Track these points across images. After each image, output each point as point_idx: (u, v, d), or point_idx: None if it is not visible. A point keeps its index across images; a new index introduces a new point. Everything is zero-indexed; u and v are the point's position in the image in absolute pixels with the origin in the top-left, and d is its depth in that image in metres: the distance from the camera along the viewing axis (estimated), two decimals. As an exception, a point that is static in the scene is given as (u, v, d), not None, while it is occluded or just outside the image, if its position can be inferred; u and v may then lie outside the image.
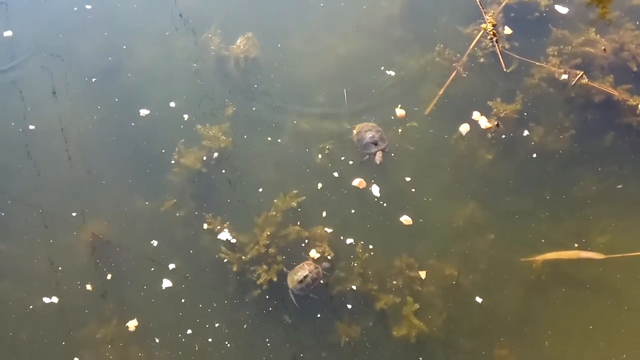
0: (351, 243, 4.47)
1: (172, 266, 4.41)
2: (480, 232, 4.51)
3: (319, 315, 4.26)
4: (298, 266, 4.30)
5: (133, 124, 5.05)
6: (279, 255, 4.45)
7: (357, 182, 4.65)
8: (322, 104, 5.13)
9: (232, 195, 4.74)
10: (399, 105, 5.07)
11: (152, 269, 4.42)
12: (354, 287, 4.33)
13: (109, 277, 4.41)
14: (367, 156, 4.75)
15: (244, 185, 4.76)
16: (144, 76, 5.28)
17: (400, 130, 4.96)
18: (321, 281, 4.27)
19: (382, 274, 4.39)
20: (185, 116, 5.06)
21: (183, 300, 4.35)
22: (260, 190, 4.72)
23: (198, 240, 4.53)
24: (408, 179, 4.77)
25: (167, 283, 4.36)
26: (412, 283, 4.34)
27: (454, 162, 4.82)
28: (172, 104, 5.13)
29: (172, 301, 4.34)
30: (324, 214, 4.58)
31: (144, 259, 4.47)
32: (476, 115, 5.02)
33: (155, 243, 4.54)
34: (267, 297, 4.34)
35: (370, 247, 4.44)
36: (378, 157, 4.70)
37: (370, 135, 4.73)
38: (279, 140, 4.95)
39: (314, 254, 4.37)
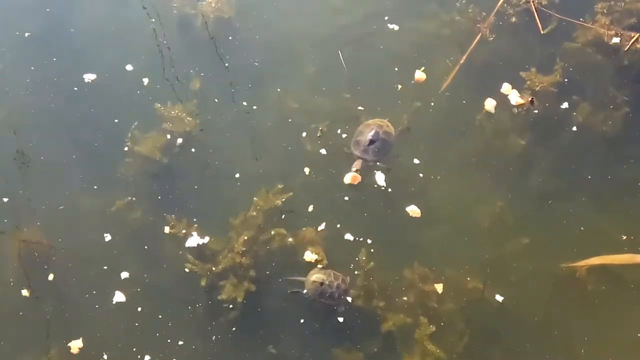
0: (351, 248, 4.51)
1: (125, 275, 4.41)
2: (511, 234, 4.54)
3: (311, 339, 4.30)
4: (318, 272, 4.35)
5: (76, 88, 5.08)
6: (259, 265, 4.45)
7: (350, 177, 4.67)
8: (313, 72, 5.17)
9: (201, 192, 4.73)
10: (422, 68, 5.09)
11: (101, 283, 4.44)
12: (355, 304, 4.35)
13: (45, 291, 4.42)
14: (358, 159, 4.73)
15: (216, 178, 4.76)
16: (89, 34, 5.34)
17: (417, 104, 4.96)
18: (345, 296, 4.31)
19: (389, 288, 4.41)
20: (145, 81, 5.06)
21: (137, 324, 4.36)
22: (237, 184, 4.73)
23: (158, 247, 4.54)
24: (421, 174, 4.79)
25: (119, 297, 4.38)
26: (426, 299, 4.35)
27: (478, 147, 4.86)
28: (128, 68, 5.18)
29: (124, 320, 4.34)
30: (316, 213, 4.62)
31: (90, 271, 4.48)
32: (506, 88, 5.04)
33: (104, 253, 4.53)
34: (245, 318, 4.34)
35: (374, 251, 4.47)
36: (356, 165, 4.69)
37: (372, 133, 4.70)
38: (260, 123, 4.97)
39: (309, 255, 4.40)
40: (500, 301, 4.34)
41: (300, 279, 4.37)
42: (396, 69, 5.21)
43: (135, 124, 4.89)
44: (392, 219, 4.63)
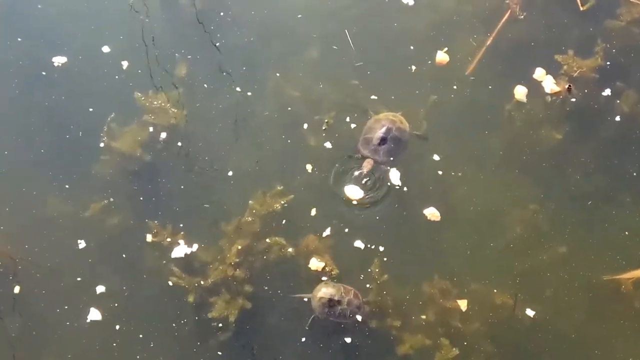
0: (361, 257, 4.42)
1: (101, 289, 4.31)
2: (545, 241, 4.45)
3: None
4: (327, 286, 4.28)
5: (44, 73, 4.96)
6: (255, 279, 4.35)
7: (350, 192, 4.52)
8: (316, 54, 5.08)
9: (189, 194, 4.64)
10: (444, 49, 5.01)
11: (74, 298, 4.34)
12: (365, 322, 4.27)
13: (10, 306, 4.30)
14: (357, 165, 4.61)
15: (206, 178, 4.67)
16: (59, 10, 5.22)
17: (437, 93, 4.86)
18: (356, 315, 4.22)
19: (405, 304, 4.33)
20: (124, 65, 4.96)
21: (115, 344, 4.25)
22: (230, 185, 4.65)
23: (139, 258, 4.45)
24: (440, 171, 4.69)
25: (94, 314, 4.27)
26: (448, 317, 4.26)
27: (507, 141, 4.77)
28: (104, 50, 5.06)
29: (100, 339, 4.26)
30: (320, 217, 4.51)
31: (61, 283, 4.37)
32: (539, 74, 4.93)
33: (77, 263, 4.42)
34: (237, 340, 4.24)
35: (387, 261, 4.39)
36: (366, 165, 4.58)
37: (383, 130, 4.56)
38: (255, 112, 4.89)
39: (315, 263, 4.33)
40: (533, 318, 4.26)
41: (305, 296, 4.28)
42: (412, 50, 5.11)
43: (112, 115, 4.77)
44: (408, 224, 4.55)
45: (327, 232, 4.42)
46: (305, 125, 4.78)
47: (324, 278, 4.29)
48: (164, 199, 4.60)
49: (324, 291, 4.19)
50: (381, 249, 4.38)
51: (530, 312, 4.23)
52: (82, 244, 4.40)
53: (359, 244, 4.42)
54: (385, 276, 4.29)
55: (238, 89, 4.92)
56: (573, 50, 4.94)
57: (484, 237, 4.47)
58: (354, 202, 4.50)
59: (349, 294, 4.21)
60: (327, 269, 4.31)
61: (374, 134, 4.59)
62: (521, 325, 4.21)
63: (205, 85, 4.94)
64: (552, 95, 4.84)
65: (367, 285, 4.30)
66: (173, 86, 4.89)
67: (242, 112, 4.87)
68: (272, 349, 4.20)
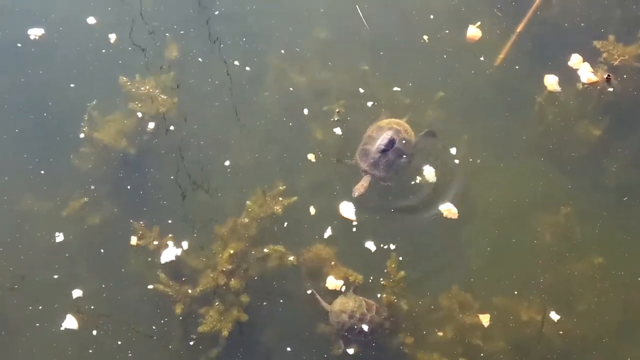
0: (372, 261, 4.27)
1: (77, 293, 4.16)
2: (579, 249, 4.31)
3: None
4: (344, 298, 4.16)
5: (19, 44, 4.81)
6: (252, 288, 4.20)
7: (345, 211, 4.30)
8: (324, 35, 4.90)
9: (178, 191, 4.49)
10: (477, 23, 4.88)
11: (48, 302, 4.21)
12: (375, 338, 4.13)
13: None
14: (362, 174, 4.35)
15: (198, 172, 4.52)
16: None
17: (461, 79, 4.72)
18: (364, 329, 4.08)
19: (419, 318, 4.20)
20: (111, 38, 4.81)
21: (91, 351, 4.10)
22: (226, 180, 4.51)
23: (122, 262, 4.31)
24: (457, 160, 4.49)
25: (70, 322, 4.13)
26: (467, 334, 4.13)
27: (536, 134, 4.63)
28: (89, 22, 4.90)
29: (75, 347, 4.12)
30: (324, 215, 4.36)
31: (34, 287, 4.24)
32: (575, 61, 4.75)
33: (52, 266, 4.28)
34: (231, 357, 4.12)
35: (399, 267, 4.24)
36: (361, 186, 4.30)
37: (385, 139, 4.26)
38: (256, 102, 4.76)
39: (332, 282, 4.17)
40: (563, 337, 4.15)
41: (323, 304, 4.13)
42: (433, 28, 4.93)
43: (94, 102, 4.60)
44: (422, 222, 4.38)
45: (328, 232, 4.26)
46: (306, 111, 4.61)
47: (343, 288, 4.13)
48: (151, 197, 4.47)
49: (342, 304, 4.03)
50: (393, 251, 4.19)
51: (560, 331, 4.08)
52: (57, 246, 4.26)
53: (370, 245, 4.25)
54: (400, 284, 4.15)
55: (236, 62, 4.75)
56: (614, 35, 4.77)
57: (508, 243, 4.32)
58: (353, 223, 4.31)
59: (371, 309, 4.06)
60: (350, 278, 4.15)
61: (374, 144, 4.28)
62: (550, 345, 4.07)
63: (200, 60, 4.78)
64: (589, 85, 4.68)
65: (378, 295, 4.15)
66: (163, 70, 4.73)
67: (239, 89, 4.71)
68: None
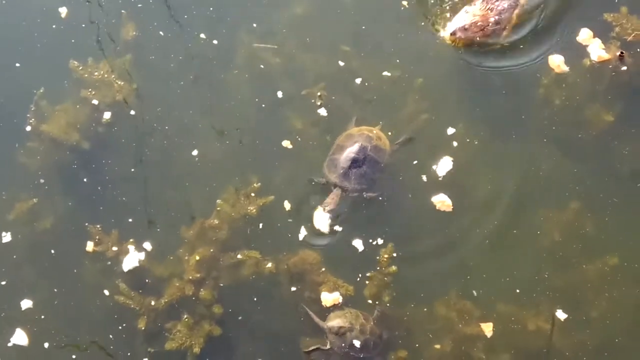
0: (357, 263, 4.10)
1: (27, 304, 3.97)
2: (591, 249, 4.13)
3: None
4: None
5: None
6: (226, 298, 4.02)
7: (318, 222, 4.10)
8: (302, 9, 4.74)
9: (140, 189, 4.32)
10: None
11: None
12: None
13: None
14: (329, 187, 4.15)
15: (162, 167, 4.37)
16: None
17: (456, 59, 4.49)
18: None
19: (414, 329, 4.04)
20: (62, 12, 4.59)
21: None
22: (193, 174, 4.34)
23: (78, 271, 4.12)
24: (455, 143, 4.29)
25: (20, 337, 3.96)
26: (468, 346, 3.94)
27: (541, 120, 4.43)
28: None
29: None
30: (304, 210, 4.15)
31: None
32: (584, 36, 4.56)
33: (2, 281, 4.10)
34: None
35: (390, 269, 4.05)
36: (331, 200, 4.09)
37: (356, 148, 4.09)
38: (224, 81, 4.58)
39: (328, 297, 3.98)
40: (576, 349, 3.98)
41: (317, 321, 3.99)
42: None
43: (42, 90, 4.39)
44: (411, 213, 4.21)
45: (302, 232, 4.07)
46: (280, 94, 4.42)
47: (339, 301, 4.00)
48: (108, 195, 4.29)
49: (337, 320, 3.88)
50: (379, 241, 4.03)
51: (569, 342, 3.93)
52: (3, 253, 4.07)
53: (357, 244, 4.06)
54: (391, 295, 3.96)
55: (202, 35, 4.56)
56: (627, 7, 4.58)
57: (509, 236, 4.14)
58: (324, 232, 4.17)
59: (368, 319, 3.94)
60: (340, 290, 4.03)
61: (343, 154, 4.13)
62: (559, 356, 3.90)
63: (161, 33, 4.60)
64: (599, 63, 4.47)
65: (369, 302, 3.99)
66: (119, 52, 4.54)
67: (206, 66, 4.52)
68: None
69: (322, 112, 4.46)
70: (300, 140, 4.39)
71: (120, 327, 3.97)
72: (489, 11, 4.51)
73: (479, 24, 4.39)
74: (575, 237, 4.21)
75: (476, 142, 4.39)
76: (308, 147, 4.39)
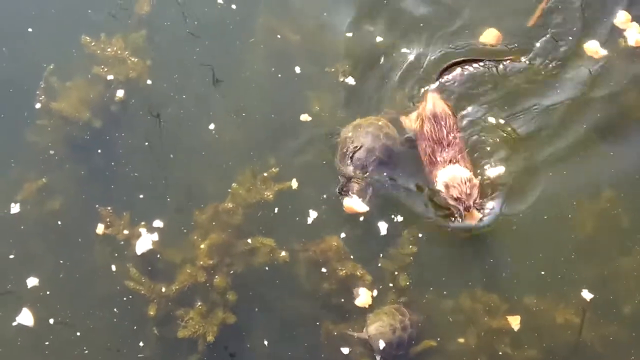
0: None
1: (32, 282, 3.90)
2: (625, 240, 4.01)
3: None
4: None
5: None
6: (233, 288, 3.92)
7: (350, 203, 4.04)
8: None
9: (152, 170, 4.23)
10: None
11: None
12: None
13: None
14: (343, 185, 4.09)
15: (174, 150, 4.28)
16: None
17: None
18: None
19: (437, 323, 3.91)
20: None
21: (47, 352, 3.83)
22: (204, 158, 4.24)
23: (86, 253, 4.02)
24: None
25: (25, 317, 3.87)
26: (494, 340, 3.82)
27: (573, 107, 4.32)
28: None
29: (28, 346, 3.89)
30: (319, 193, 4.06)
31: None
32: (621, 19, 4.51)
33: (4, 259, 4.01)
34: None
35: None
36: (354, 186, 4.03)
37: (365, 143, 4.09)
38: (243, 61, 4.48)
39: (364, 298, 3.88)
40: (608, 344, 3.83)
41: (358, 335, 3.84)
42: None
43: (52, 66, 4.31)
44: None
45: (313, 215, 3.98)
46: (298, 69, 4.34)
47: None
48: (120, 177, 4.19)
49: (380, 326, 3.72)
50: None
51: (601, 336, 3.78)
52: (11, 234, 3.95)
53: (382, 226, 3.94)
54: (407, 283, 3.87)
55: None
56: None
57: (540, 233, 4.00)
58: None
59: (404, 312, 3.81)
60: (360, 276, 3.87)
61: (356, 145, 4.03)
62: (589, 352, 3.77)
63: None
64: (636, 47, 4.40)
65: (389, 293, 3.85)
66: (132, 27, 4.45)
67: (223, 31, 4.45)
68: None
69: (350, 80, 4.37)
70: (320, 112, 4.30)
71: (129, 312, 3.88)
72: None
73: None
74: (610, 226, 4.08)
75: (502, 122, 4.30)
76: (327, 121, 4.29)
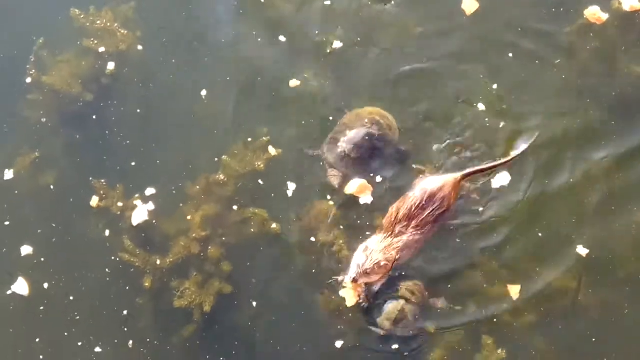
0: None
1: (27, 250, 3.94)
2: (625, 206, 3.95)
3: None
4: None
5: None
6: (228, 259, 3.94)
7: (356, 186, 4.01)
8: None
9: (145, 142, 4.24)
10: None
11: None
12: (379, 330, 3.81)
13: None
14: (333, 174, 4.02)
15: (167, 119, 4.28)
16: None
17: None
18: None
19: (435, 291, 3.90)
20: None
21: (41, 316, 3.85)
22: (200, 124, 4.26)
23: (81, 227, 4.04)
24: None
25: (20, 286, 3.90)
26: (493, 307, 3.81)
27: (571, 77, 4.29)
28: None
29: (21, 314, 3.92)
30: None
31: None
32: None
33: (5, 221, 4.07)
34: (208, 336, 3.85)
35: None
36: (333, 177, 4.00)
37: (360, 135, 3.99)
38: (236, 34, 4.44)
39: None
40: (598, 302, 3.84)
41: (376, 330, 3.77)
42: None
43: (42, 40, 4.32)
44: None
45: (292, 187, 3.97)
46: (283, 38, 4.30)
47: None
48: (113, 150, 4.20)
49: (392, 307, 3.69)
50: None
51: (597, 300, 3.77)
52: (4, 209, 3.95)
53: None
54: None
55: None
56: None
57: (539, 199, 3.94)
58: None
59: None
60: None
61: (350, 136, 4.00)
62: (585, 316, 3.76)
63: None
64: (635, 13, 4.33)
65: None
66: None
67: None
68: (261, 347, 3.80)
69: (337, 44, 4.31)
70: (308, 79, 4.25)
71: (129, 285, 3.87)
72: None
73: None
74: (609, 192, 4.03)
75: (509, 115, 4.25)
76: (316, 88, 4.23)
